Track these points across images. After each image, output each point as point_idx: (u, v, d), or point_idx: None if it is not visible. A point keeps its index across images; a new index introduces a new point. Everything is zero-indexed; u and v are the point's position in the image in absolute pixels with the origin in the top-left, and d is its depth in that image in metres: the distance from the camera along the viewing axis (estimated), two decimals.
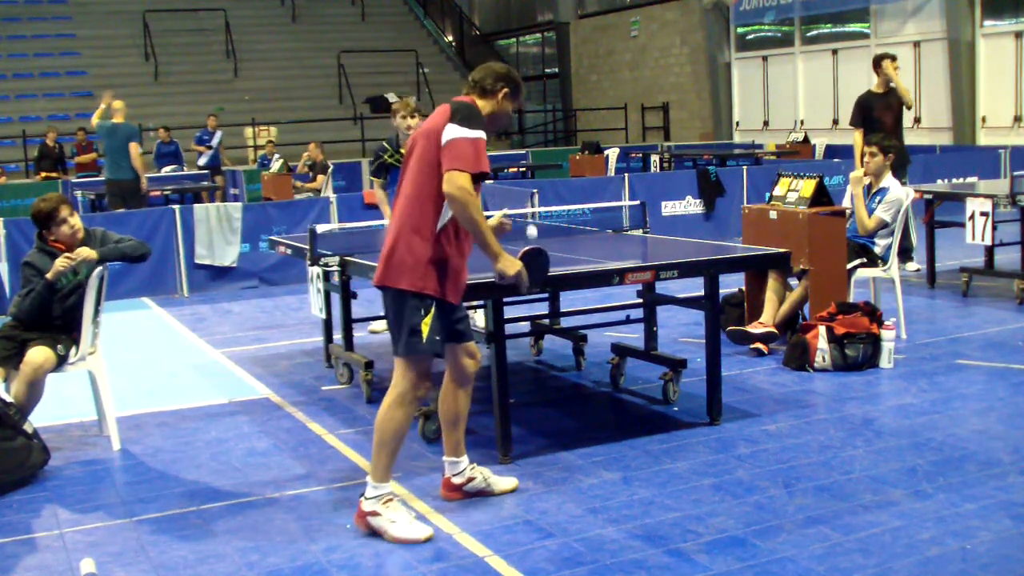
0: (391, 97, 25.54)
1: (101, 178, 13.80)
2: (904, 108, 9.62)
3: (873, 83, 9.69)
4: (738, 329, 7.02)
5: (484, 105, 4.30)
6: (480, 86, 4.33)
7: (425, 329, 4.19)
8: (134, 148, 12.27)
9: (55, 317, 5.47)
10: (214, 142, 18.11)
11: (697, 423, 5.54)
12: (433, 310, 4.21)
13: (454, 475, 4.57)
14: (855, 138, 9.43)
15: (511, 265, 4.31)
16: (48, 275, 5.36)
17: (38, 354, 5.28)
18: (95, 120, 13.00)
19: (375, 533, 4.20)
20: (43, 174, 18.59)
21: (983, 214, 8.09)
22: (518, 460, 5.04)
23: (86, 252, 5.43)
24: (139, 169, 12.36)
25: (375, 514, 4.19)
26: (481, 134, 4.14)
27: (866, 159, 7.38)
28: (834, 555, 3.86)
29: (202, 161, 18.00)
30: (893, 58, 9.61)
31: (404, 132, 7.55)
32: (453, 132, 4.10)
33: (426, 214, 4.16)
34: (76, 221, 5.53)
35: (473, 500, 4.58)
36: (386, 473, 4.24)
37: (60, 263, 5.38)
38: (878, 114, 9.45)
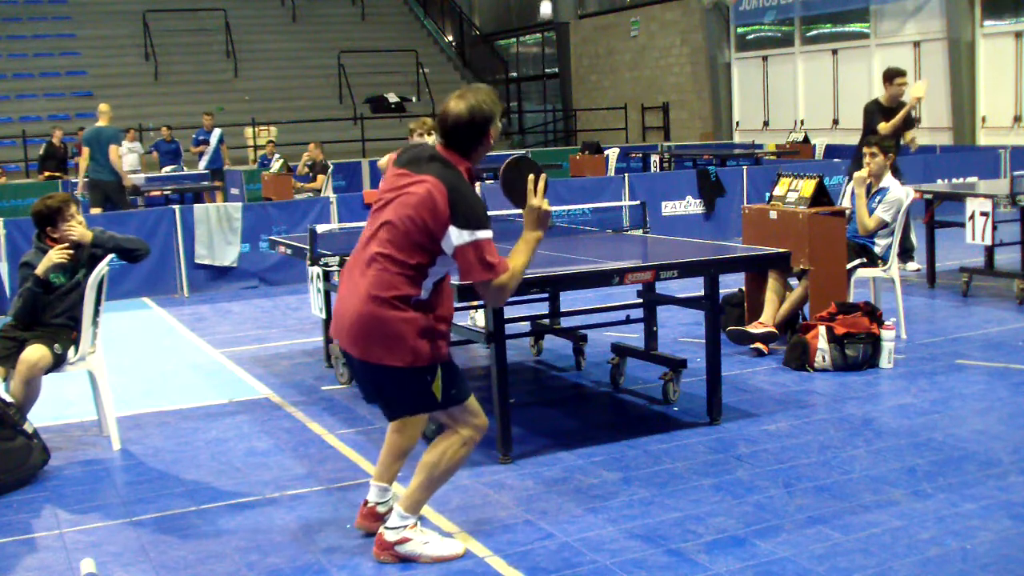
0: (391, 97, 25.58)
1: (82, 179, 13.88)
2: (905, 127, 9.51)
3: (878, 92, 9.59)
4: (738, 329, 7.02)
5: (474, 158, 3.87)
6: (463, 144, 3.83)
7: (438, 393, 3.84)
8: (113, 151, 12.47)
9: (54, 316, 5.46)
10: (212, 140, 17.99)
11: (697, 423, 5.54)
12: (439, 371, 3.84)
13: (379, 503, 4.23)
14: (883, 127, 9.12)
15: (541, 228, 3.89)
16: (38, 270, 5.36)
17: (34, 352, 5.28)
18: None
19: (405, 562, 3.96)
20: (47, 173, 18.59)
21: (983, 214, 8.09)
22: (518, 460, 5.04)
23: (80, 230, 5.43)
24: (118, 170, 12.57)
25: (404, 540, 3.95)
26: (488, 233, 3.74)
27: (866, 159, 7.39)
28: (834, 555, 3.86)
29: (203, 164, 17.89)
30: (904, 74, 9.53)
31: None
32: (460, 238, 3.70)
33: (404, 285, 3.74)
34: (81, 220, 5.53)
35: (473, 501, 4.58)
36: (420, 507, 4.02)
37: (54, 255, 5.37)
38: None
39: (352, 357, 3.86)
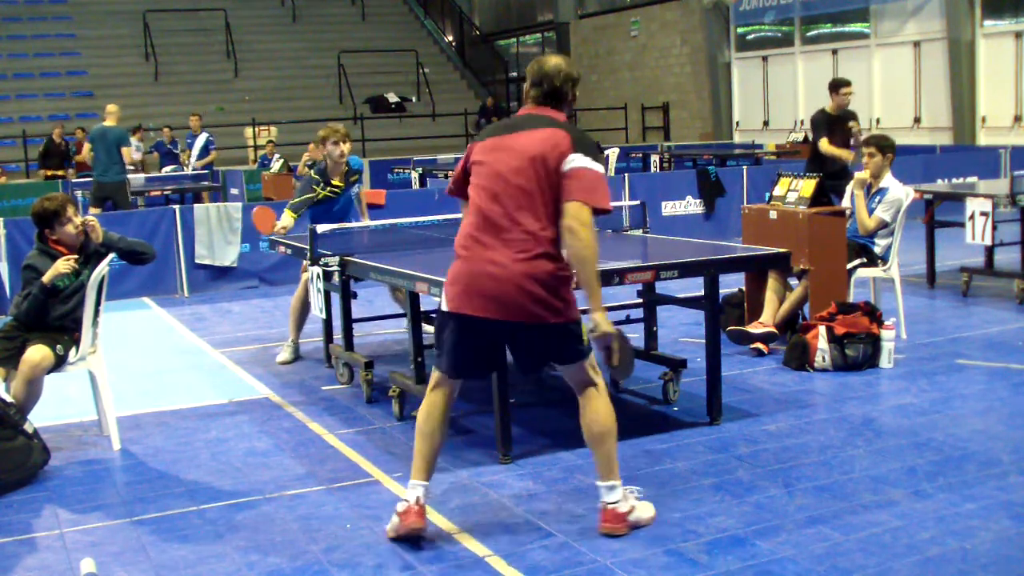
0: (391, 97, 25.58)
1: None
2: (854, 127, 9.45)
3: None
4: (738, 329, 7.02)
5: (567, 112, 4.13)
6: (558, 93, 4.09)
7: (582, 338, 4.08)
8: (127, 152, 12.65)
9: (56, 318, 5.47)
10: (196, 146, 17.52)
11: (697, 423, 5.54)
12: (580, 322, 4.10)
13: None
14: (824, 147, 9.21)
15: (608, 323, 4.03)
16: (44, 278, 5.36)
17: (35, 352, 5.28)
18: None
19: (630, 529, 4.09)
20: (48, 172, 18.58)
21: (983, 214, 8.09)
22: (518, 460, 5.04)
23: (94, 222, 5.45)
24: (131, 164, 12.90)
25: (632, 510, 4.11)
26: (603, 173, 3.99)
27: (864, 159, 7.40)
28: (834, 555, 3.86)
29: (191, 166, 17.69)
30: (848, 84, 9.52)
31: (335, 160, 7.20)
32: (582, 161, 3.90)
33: (548, 243, 3.94)
34: (80, 221, 5.53)
35: (473, 501, 4.58)
36: (617, 465, 4.13)
37: (61, 265, 5.38)
38: (835, 136, 9.44)
39: (500, 326, 3.97)
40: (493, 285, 3.94)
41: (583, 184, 3.89)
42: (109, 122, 12.60)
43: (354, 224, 7.36)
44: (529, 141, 3.97)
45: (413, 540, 4.13)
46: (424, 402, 4.21)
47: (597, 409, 4.10)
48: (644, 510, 4.20)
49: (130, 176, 12.85)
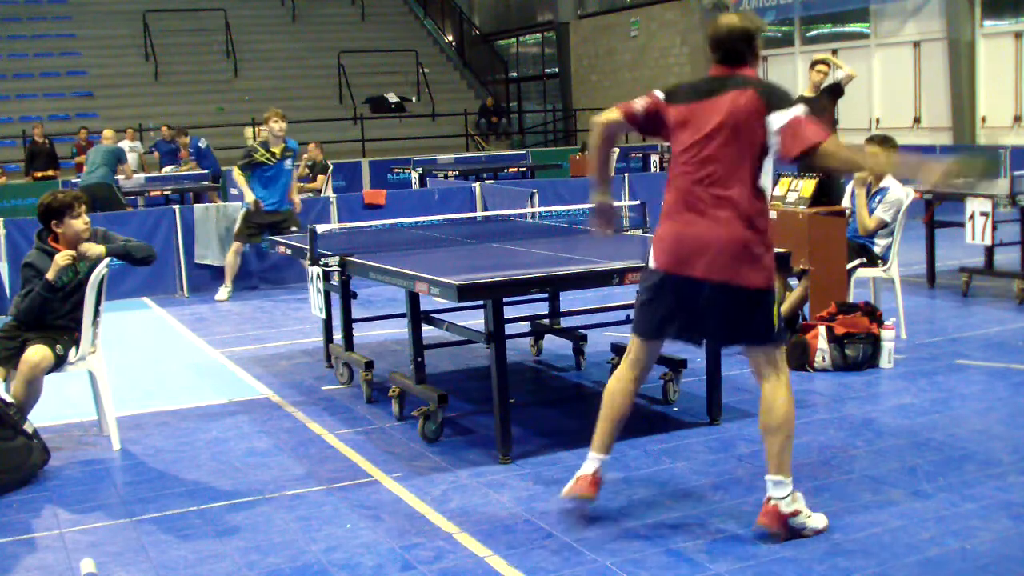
0: (391, 97, 25.57)
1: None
2: (843, 88, 9.61)
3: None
4: None
5: (754, 67, 4.14)
6: (742, 55, 4.09)
7: (775, 320, 4.08)
8: (127, 168, 13.57)
9: (56, 317, 5.46)
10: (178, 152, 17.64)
11: (697, 423, 5.54)
12: (774, 297, 4.11)
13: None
14: None
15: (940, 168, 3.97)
16: (48, 275, 5.36)
17: (35, 352, 5.28)
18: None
19: (790, 534, 4.01)
20: (37, 174, 18.54)
21: (983, 214, 8.09)
22: (518, 460, 5.04)
23: (94, 249, 5.44)
24: (123, 177, 13.45)
25: (796, 513, 4.01)
26: (804, 111, 4.03)
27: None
28: (834, 555, 3.86)
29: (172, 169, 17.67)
30: (821, 61, 9.58)
31: (275, 135, 9.76)
32: (788, 115, 3.94)
33: (757, 204, 3.99)
34: (88, 218, 5.53)
35: (473, 501, 4.58)
36: (789, 463, 4.08)
37: (60, 259, 5.37)
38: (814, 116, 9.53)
39: (703, 287, 3.99)
40: (703, 245, 4.00)
41: (807, 130, 3.94)
42: (106, 143, 13.43)
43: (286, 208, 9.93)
44: (723, 104, 4.00)
45: (581, 505, 4.27)
46: (615, 373, 4.32)
47: (776, 398, 4.08)
48: (816, 520, 4.07)
49: (131, 177, 13.12)
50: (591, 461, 4.26)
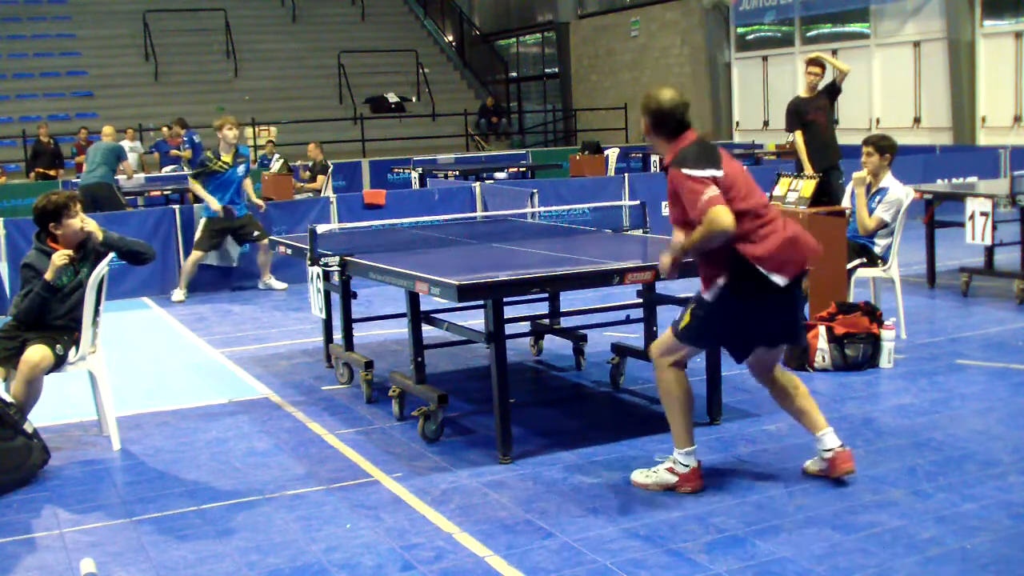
0: (391, 97, 25.58)
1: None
2: (840, 86, 9.79)
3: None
4: None
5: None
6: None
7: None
8: (127, 166, 13.52)
9: (56, 317, 5.46)
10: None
11: (697, 423, 5.52)
12: None
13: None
14: (796, 141, 9.67)
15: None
16: (47, 275, 5.36)
17: (35, 352, 5.28)
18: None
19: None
20: (39, 170, 18.55)
21: (983, 214, 8.09)
22: (518, 460, 5.04)
23: (94, 223, 5.45)
24: (129, 175, 13.62)
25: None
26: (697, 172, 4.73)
27: (862, 159, 7.40)
28: (834, 555, 3.86)
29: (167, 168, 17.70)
30: (813, 62, 9.72)
31: (228, 142, 9.97)
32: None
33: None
34: (84, 217, 5.54)
35: (473, 501, 4.58)
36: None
37: (57, 259, 5.37)
38: (812, 116, 9.70)
39: (796, 288, 4.55)
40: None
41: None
42: (106, 140, 13.30)
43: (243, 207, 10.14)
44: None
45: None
46: (669, 376, 4.65)
47: (788, 375, 4.73)
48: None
49: (131, 176, 13.16)
50: (691, 455, 4.57)
